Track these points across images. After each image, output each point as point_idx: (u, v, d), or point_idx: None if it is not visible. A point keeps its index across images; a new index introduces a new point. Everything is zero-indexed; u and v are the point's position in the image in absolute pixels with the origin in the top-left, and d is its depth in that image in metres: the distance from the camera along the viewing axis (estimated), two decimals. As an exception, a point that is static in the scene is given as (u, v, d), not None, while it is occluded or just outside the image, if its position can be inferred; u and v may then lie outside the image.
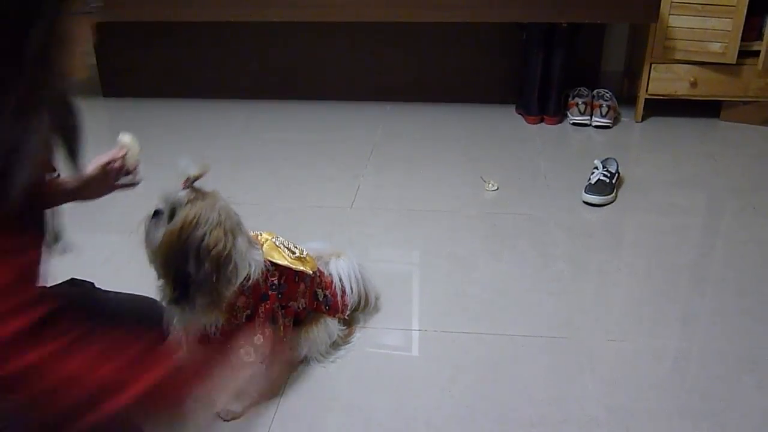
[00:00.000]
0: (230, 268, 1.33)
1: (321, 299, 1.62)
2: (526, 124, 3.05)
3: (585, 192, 2.33)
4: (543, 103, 3.06)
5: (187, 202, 1.31)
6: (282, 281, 1.48)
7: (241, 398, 1.35)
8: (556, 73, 3.02)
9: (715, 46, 2.79)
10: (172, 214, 1.31)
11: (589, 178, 2.38)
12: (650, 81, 2.93)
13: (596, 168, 2.41)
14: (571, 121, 3.05)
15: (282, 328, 1.49)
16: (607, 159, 2.51)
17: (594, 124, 3.01)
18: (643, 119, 3.06)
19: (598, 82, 3.27)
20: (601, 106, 3.00)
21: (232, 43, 3.29)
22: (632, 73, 3.18)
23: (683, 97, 2.95)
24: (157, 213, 1.33)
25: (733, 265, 2.00)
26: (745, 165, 2.66)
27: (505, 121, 3.08)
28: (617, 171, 2.44)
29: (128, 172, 1.31)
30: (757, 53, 2.77)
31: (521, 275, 1.96)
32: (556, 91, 3.04)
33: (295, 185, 2.51)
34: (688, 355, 1.66)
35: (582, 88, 3.11)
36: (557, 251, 2.06)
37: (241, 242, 1.35)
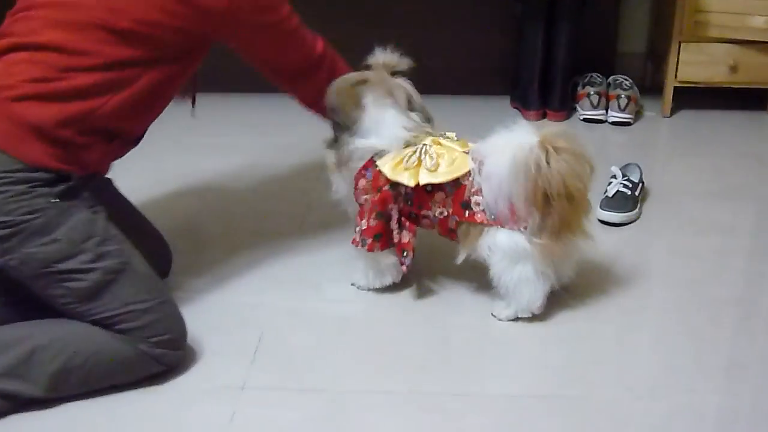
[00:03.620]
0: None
1: (474, 208, 1.84)
2: (525, 120, 3.05)
3: (600, 207, 2.34)
4: (545, 94, 3.08)
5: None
6: (410, 189, 1.89)
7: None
8: (560, 57, 3.04)
9: (759, 21, 2.84)
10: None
11: (606, 190, 2.39)
12: (679, 65, 2.97)
13: (614, 177, 2.42)
14: (581, 117, 3.07)
15: (396, 232, 1.92)
16: (627, 165, 2.52)
17: (610, 119, 3.03)
18: (671, 113, 3.09)
19: (614, 67, 3.29)
20: (618, 97, 3.02)
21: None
22: (657, 56, 3.21)
23: (721, 85, 2.99)
24: None
25: (790, 299, 2.02)
26: None
27: (498, 117, 2.96)
28: (641, 180, 2.45)
29: None
30: (811, 28, 2.82)
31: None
32: (562, 79, 3.07)
33: (227, 204, 2.49)
34: (736, 414, 1.66)
35: (594, 75, 3.14)
36: (566, 284, 2.04)
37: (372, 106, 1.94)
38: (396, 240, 1.92)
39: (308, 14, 3.19)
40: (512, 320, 1.91)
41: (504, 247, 1.83)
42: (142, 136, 1.89)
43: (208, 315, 1.96)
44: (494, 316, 1.93)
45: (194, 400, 1.68)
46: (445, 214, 1.89)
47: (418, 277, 2.08)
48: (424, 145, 1.89)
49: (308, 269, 2.15)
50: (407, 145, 1.90)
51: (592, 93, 3.03)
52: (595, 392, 1.71)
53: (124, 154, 1.85)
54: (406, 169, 1.87)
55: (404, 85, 1.99)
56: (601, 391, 1.71)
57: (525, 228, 1.80)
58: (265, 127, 3.07)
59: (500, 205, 1.80)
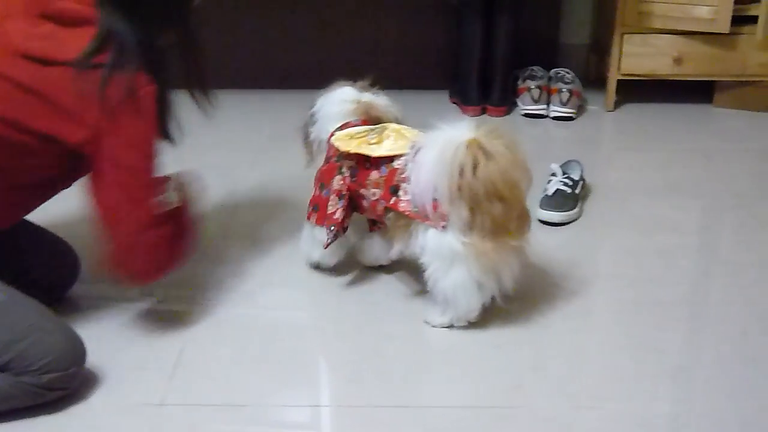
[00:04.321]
0: None
1: (400, 195, 1.85)
2: (464, 116, 3.05)
3: (540, 207, 2.34)
4: (485, 88, 3.09)
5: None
6: (354, 164, 1.94)
7: None
8: (500, 49, 3.05)
9: (703, 11, 2.86)
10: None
11: (546, 189, 2.39)
12: (623, 57, 2.99)
13: (554, 174, 2.43)
14: (522, 112, 3.08)
15: (331, 204, 1.96)
16: (568, 162, 2.53)
17: (552, 114, 3.05)
18: (615, 107, 3.12)
19: (556, 59, 3.31)
20: (560, 90, 3.04)
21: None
22: (600, 48, 3.23)
23: (666, 78, 3.02)
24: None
25: (735, 299, 2.03)
26: (746, 164, 2.73)
27: (436, 112, 3.00)
28: (582, 178, 2.46)
29: None
30: (754, 19, 2.84)
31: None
32: (502, 73, 3.08)
33: None
34: (682, 420, 1.66)
35: (535, 69, 3.15)
36: (504, 287, 2.02)
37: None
38: (329, 212, 1.95)
39: (228, 5, 3.20)
40: (446, 327, 1.89)
41: (434, 248, 1.80)
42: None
43: (125, 326, 1.91)
44: (427, 323, 1.90)
45: (108, 420, 1.64)
46: (377, 196, 1.89)
47: (351, 285, 2.07)
48: (383, 126, 1.94)
49: (237, 276, 2.11)
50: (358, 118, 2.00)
51: (532, 87, 3.04)
52: (534, 402, 1.69)
53: None
54: (351, 138, 1.92)
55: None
56: (540, 400, 1.70)
57: (444, 227, 1.77)
58: (187, 125, 3.02)
59: (423, 198, 1.78)
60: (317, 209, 1.99)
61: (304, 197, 2.48)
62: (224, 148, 2.83)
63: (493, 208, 1.74)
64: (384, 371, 1.78)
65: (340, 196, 1.94)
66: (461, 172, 1.72)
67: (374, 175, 1.90)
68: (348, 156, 1.93)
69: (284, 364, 1.80)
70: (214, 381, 1.74)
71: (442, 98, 3.20)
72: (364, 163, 1.92)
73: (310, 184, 2.55)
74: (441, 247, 1.79)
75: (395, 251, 1.92)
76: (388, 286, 2.07)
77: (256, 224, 2.36)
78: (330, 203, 1.96)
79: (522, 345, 1.86)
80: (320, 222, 1.98)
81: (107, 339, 1.85)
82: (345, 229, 1.99)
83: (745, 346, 1.86)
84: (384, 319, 1.95)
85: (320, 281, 2.09)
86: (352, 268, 2.11)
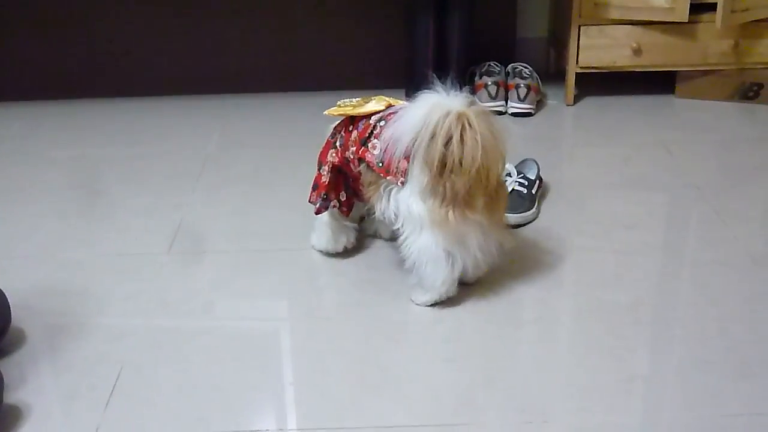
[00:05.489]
0: None
1: (369, 146, 1.94)
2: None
3: (495, 209, 2.31)
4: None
5: None
6: (343, 132, 2.06)
7: None
8: (454, 45, 3.05)
9: (661, 0, 2.85)
10: None
11: (500, 190, 2.37)
12: (580, 50, 2.99)
13: (509, 175, 2.41)
14: (480, 109, 3.06)
15: (324, 176, 2.08)
16: (523, 161, 2.52)
17: (510, 111, 3.05)
18: (575, 101, 3.12)
19: (513, 54, 3.31)
20: (518, 86, 3.03)
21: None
22: (558, 41, 3.22)
23: (625, 69, 3.02)
24: None
25: (694, 299, 2.02)
26: (708, 155, 2.73)
27: (391, 113, 3.07)
28: (538, 177, 2.45)
29: None
30: (713, 7, 2.85)
31: (403, 334, 1.92)
32: (457, 69, 3.07)
33: (88, 225, 2.43)
34: None
35: (492, 64, 3.15)
36: (454, 295, 2.02)
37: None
38: (322, 182, 2.09)
39: (163, 12, 3.17)
40: (430, 306, 1.98)
41: (404, 211, 1.89)
42: None
43: (61, 348, 1.88)
44: (413, 301, 2.00)
45: (37, 455, 1.60)
46: (354, 154, 2.00)
47: (297, 300, 2.06)
48: (369, 98, 2.07)
49: (180, 290, 2.09)
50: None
51: (489, 83, 3.04)
52: (483, 417, 1.67)
53: None
54: (337, 108, 2.05)
55: None
56: (490, 416, 1.68)
57: (402, 183, 1.87)
58: (134, 135, 3.00)
59: (390, 150, 1.86)
60: (316, 187, 2.11)
61: (253, 207, 2.47)
62: (173, 156, 2.80)
63: (459, 180, 1.81)
64: (330, 391, 1.75)
65: (330, 168, 2.07)
66: (445, 139, 1.78)
67: (354, 134, 2.01)
68: (337, 127, 2.07)
69: (228, 386, 1.77)
70: (150, 407, 1.71)
71: (400, 97, 3.17)
72: (348, 127, 2.03)
73: (259, 194, 2.54)
74: (409, 211, 1.88)
75: (376, 212, 1.99)
76: (337, 301, 2.05)
77: (201, 236, 2.33)
78: (323, 173, 2.08)
79: (472, 357, 1.84)
80: (315, 198, 2.10)
81: (38, 367, 1.81)
82: (350, 208, 2.13)
83: (703, 350, 1.84)
84: (330, 335, 1.93)
85: (266, 295, 2.07)
86: (299, 280, 2.10)
